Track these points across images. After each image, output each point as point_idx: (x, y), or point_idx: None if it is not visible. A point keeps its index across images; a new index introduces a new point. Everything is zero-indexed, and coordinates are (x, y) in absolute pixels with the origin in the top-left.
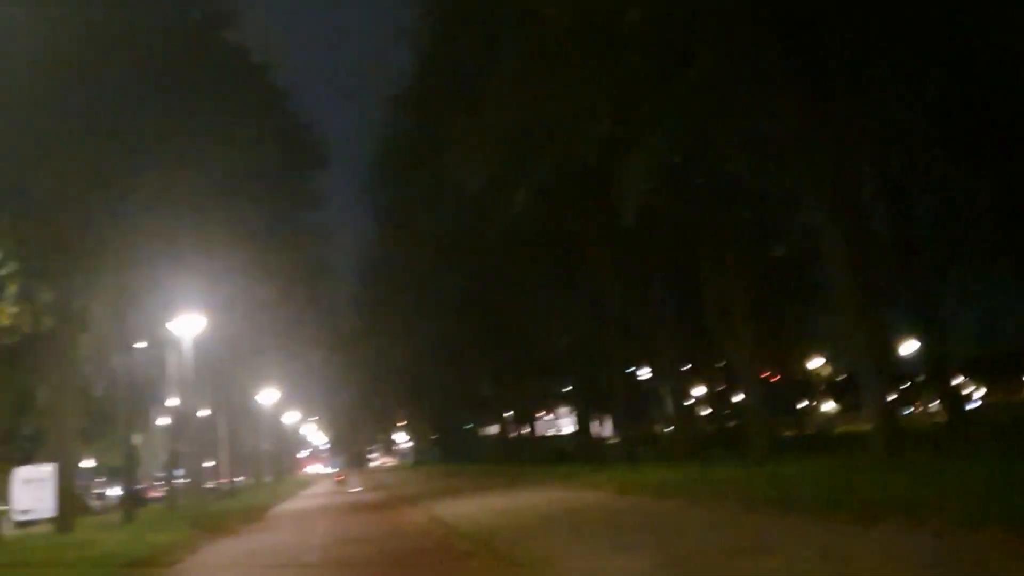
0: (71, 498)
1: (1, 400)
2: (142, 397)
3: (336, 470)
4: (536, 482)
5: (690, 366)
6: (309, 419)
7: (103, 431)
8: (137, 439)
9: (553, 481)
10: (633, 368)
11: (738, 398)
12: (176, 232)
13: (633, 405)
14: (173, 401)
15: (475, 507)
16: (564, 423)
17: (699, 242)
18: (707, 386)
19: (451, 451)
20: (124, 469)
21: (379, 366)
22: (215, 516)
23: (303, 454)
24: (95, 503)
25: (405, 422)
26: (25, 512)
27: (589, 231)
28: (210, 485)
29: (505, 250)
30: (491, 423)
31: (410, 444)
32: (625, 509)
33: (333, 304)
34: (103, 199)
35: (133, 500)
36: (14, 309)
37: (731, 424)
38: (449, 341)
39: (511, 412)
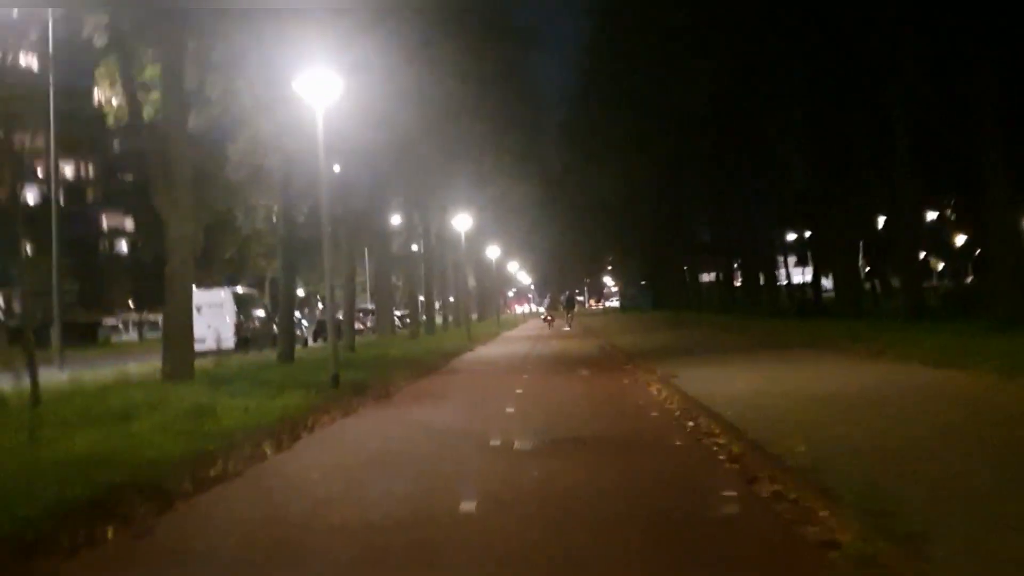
0: (182, 338)
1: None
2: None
3: (543, 310)
4: (810, 344)
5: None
6: (513, 258)
7: (312, 259)
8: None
9: (836, 343)
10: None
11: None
12: None
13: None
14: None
15: (761, 385)
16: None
17: None
18: None
19: (663, 297)
20: (272, 299)
21: (589, 201)
22: (381, 365)
23: (509, 294)
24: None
25: (612, 266)
26: (198, 342)
27: None
28: (403, 322)
29: (757, 43)
30: (707, 270)
31: (616, 288)
32: None
33: (539, 132)
34: None
35: (288, 338)
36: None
37: None
38: (670, 171)
39: (731, 258)
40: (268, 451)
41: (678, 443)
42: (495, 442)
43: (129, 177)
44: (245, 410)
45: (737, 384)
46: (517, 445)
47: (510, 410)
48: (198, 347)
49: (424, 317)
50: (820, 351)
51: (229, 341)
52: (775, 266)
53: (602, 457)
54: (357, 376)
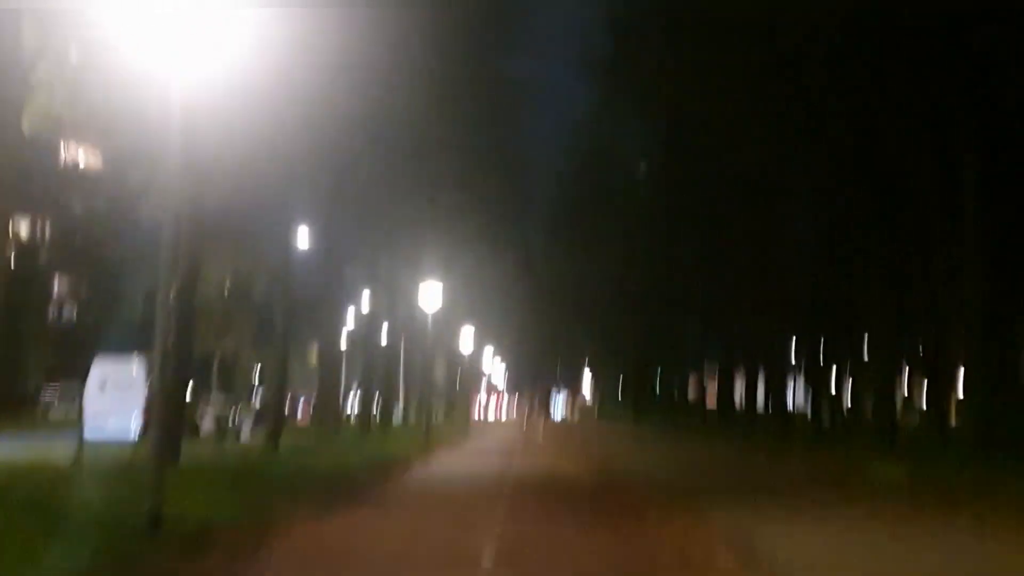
0: None
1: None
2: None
3: (517, 414)
4: (936, 491)
5: None
6: (487, 351)
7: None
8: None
9: (969, 495)
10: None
11: None
12: None
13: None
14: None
15: None
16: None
17: None
18: None
19: (642, 405)
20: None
21: (572, 297)
22: (288, 480)
23: (482, 390)
24: (208, 424)
25: (589, 367)
26: (100, 426)
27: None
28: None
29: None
30: (695, 380)
31: (591, 393)
32: None
33: (524, 209)
34: None
35: (165, 432)
36: None
37: None
38: (661, 270)
39: (729, 371)
40: None
41: None
42: None
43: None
44: None
45: None
46: None
47: None
48: (95, 436)
49: (379, 411)
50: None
51: (134, 429)
52: (783, 382)
53: None
54: (218, 513)
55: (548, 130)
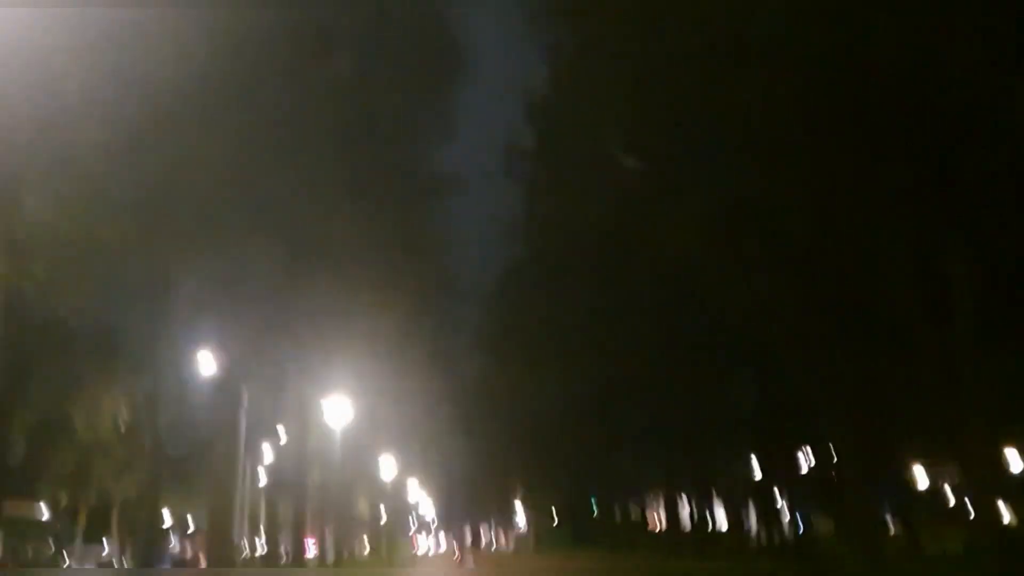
0: None
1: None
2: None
3: (449, 547)
4: None
5: None
6: (414, 480)
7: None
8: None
9: None
10: None
11: None
12: None
13: None
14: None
15: None
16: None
17: None
18: None
19: (582, 534)
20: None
21: (505, 420)
22: None
23: (411, 524)
24: None
25: (522, 498)
26: None
27: None
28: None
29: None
30: (631, 502)
31: (525, 523)
32: None
33: (450, 322)
34: None
35: None
36: None
37: None
38: (602, 393)
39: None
40: None
41: None
42: None
43: None
44: None
45: None
46: None
47: None
48: None
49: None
50: None
51: None
52: (745, 500)
53: None
54: None
55: (477, 240)
